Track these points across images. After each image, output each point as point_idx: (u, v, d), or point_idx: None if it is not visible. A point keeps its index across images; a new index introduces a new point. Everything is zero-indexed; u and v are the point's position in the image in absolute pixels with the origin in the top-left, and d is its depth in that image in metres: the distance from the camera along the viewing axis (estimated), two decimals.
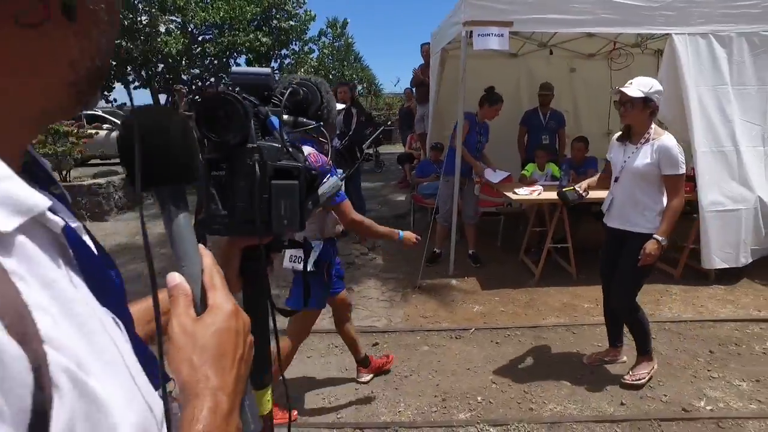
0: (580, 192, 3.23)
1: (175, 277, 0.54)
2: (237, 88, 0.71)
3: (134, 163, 0.48)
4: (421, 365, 3.30)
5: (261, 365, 0.77)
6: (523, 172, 5.41)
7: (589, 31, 4.80)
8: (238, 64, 16.05)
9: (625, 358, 3.24)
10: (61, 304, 0.38)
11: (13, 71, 0.38)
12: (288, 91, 0.81)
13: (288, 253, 2.39)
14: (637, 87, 2.73)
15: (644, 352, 3.03)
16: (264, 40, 14.42)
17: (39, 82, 0.40)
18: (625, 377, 3.00)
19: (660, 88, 2.79)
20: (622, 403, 2.84)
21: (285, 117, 0.80)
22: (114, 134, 11.35)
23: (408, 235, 2.56)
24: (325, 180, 0.86)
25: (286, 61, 22.53)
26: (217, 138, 0.67)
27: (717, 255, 4.55)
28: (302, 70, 21.53)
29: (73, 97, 0.44)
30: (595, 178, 3.31)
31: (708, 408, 2.78)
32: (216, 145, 0.69)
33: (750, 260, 4.68)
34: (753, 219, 4.63)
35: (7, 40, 0.37)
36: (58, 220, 0.41)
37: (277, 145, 0.73)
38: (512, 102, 6.73)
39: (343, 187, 2.29)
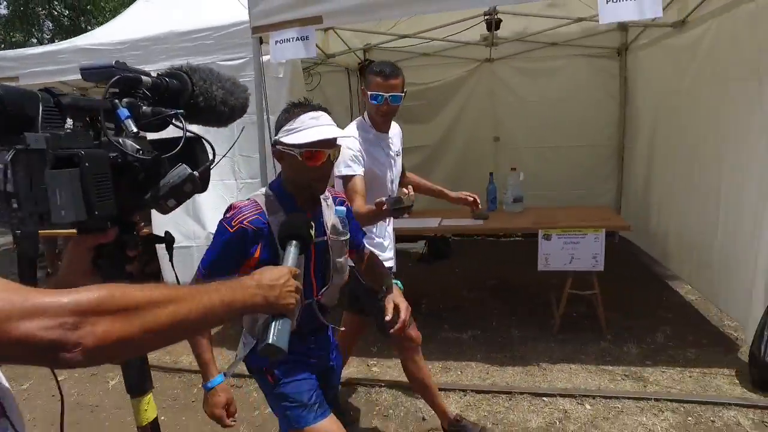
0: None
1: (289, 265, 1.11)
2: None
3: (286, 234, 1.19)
4: None
5: (141, 374, 0.93)
6: None
7: None
8: None
9: None
10: None
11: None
12: (150, 84, 0.84)
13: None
14: None
15: None
16: None
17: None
18: None
19: None
20: None
21: (144, 108, 0.83)
22: None
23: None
24: (175, 168, 0.84)
25: None
26: None
27: None
28: None
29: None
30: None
31: None
32: None
33: None
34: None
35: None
36: None
37: (60, 133, 0.69)
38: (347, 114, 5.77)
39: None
